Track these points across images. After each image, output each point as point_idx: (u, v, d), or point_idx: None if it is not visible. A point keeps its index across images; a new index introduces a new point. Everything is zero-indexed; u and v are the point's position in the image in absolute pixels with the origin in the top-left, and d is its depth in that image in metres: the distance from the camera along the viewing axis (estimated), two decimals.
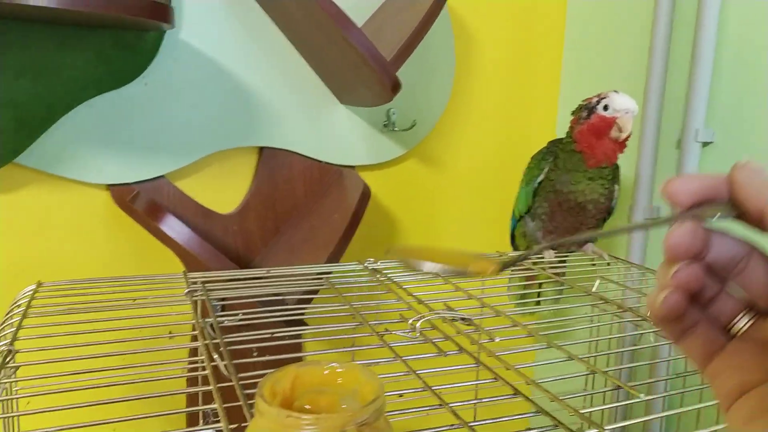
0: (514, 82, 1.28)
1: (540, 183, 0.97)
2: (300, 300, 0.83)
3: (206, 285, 0.76)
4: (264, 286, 0.81)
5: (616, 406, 0.46)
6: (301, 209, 1.11)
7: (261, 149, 1.06)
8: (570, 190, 0.92)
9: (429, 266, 0.38)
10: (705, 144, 1.15)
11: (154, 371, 0.54)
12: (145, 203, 0.90)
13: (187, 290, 0.73)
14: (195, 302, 0.69)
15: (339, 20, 0.85)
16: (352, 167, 1.14)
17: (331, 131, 1.10)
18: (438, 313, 0.64)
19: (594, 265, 0.99)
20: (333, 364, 0.36)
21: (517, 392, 0.50)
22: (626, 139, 0.89)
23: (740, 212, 0.29)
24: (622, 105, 0.86)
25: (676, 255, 0.29)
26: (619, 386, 0.50)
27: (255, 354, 0.63)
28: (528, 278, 1.04)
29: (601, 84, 1.28)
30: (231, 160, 1.05)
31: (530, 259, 0.96)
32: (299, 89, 1.06)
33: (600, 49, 1.28)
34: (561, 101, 1.33)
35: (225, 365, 0.50)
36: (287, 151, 1.08)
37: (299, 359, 0.59)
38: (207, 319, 0.62)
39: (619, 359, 1.00)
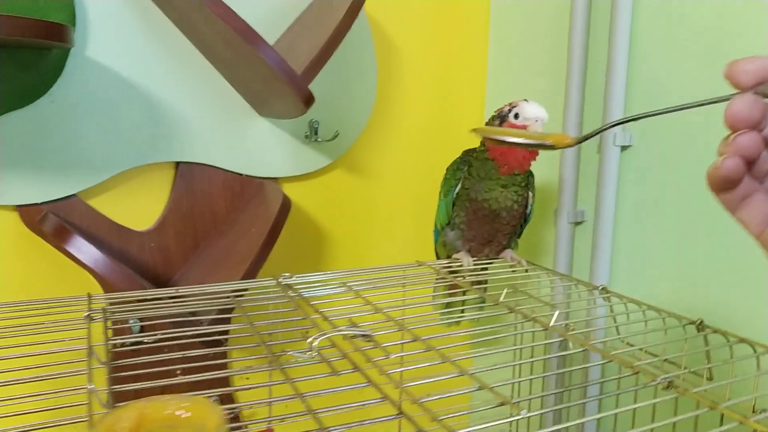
0: (440, 88, 1.29)
1: (457, 193, 0.98)
2: (214, 320, 0.82)
3: (112, 306, 0.74)
4: (173, 306, 0.79)
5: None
6: (222, 224, 1.09)
7: (177, 164, 1.05)
8: (484, 198, 0.93)
9: (512, 138, 0.49)
10: (624, 148, 1.18)
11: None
12: (52, 225, 0.87)
13: (86, 314, 0.71)
14: (104, 323, 0.67)
15: (246, 35, 0.85)
16: (275, 179, 1.13)
17: (250, 144, 1.09)
18: (338, 331, 0.64)
19: (514, 272, 1.00)
20: (179, 399, 0.35)
21: (400, 413, 0.50)
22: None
23: None
24: (532, 113, 0.88)
25: (735, 123, 0.32)
26: (502, 403, 0.50)
27: (178, 373, 0.63)
28: (451, 287, 1.05)
29: (525, 88, 1.31)
30: (146, 175, 1.03)
31: (450, 267, 0.97)
32: (214, 102, 1.05)
33: (523, 52, 1.31)
34: (487, 107, 1.35)
35: (97, 392, 0.49)
36: (204, 165, 1.06)
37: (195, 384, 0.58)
38: (96, 344, 0.61)
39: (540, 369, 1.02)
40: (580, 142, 0.47)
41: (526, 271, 0.98)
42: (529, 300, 0.80)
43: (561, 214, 1.25)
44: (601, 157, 1.18)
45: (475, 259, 0.99)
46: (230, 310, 0.85)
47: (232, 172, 1.09)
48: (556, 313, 0.68)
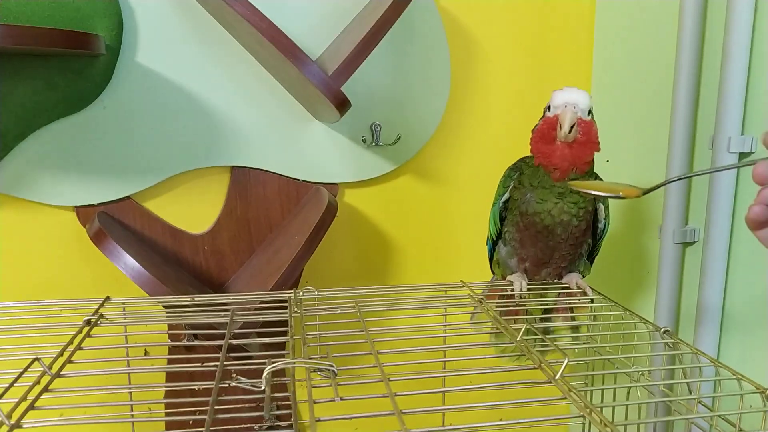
0: (528, 90, 1.15)
1: (506, 203, 0.85)
2: (238, 333, 0.79)
3: (113, 313, 0.75)
4: (188, 315, 0.78)
5: None
6: (276, 229, 1.07)
7: (232, 168, 1.04)
8: (535, 210, 0.79)
9: (586, 189, 0.60)
10: (743, 155, 0.97)
11: None
12: (93, 229, 0.90)
13: (85, 318, 0.71)
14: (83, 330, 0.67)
15: (264, 28, 0.81)
16: (335, 185, 1.08)
17: (307, 148, 1.05)
18: (290, 363, 0.57)
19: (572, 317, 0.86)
20: None
21: None
22: (583, 138, 0.74)
23: None
24: (560, 100, 0.74)
25: (760, 181, 0.41)
26: None
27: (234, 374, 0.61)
28: (508, 313, 0.92)
29: (632, 94, 1.12)
30: (201, 179, 1.03)
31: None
32: (269, 106, 1.02)
33: (631, 50, 1.12)
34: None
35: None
36: (259, 169, 1.04)
37: None
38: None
39: None
40: (647, 193, 0.54)
41: (591, 301, 0.83)
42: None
43: (665, 232, 1.06)
44: (713, 167, 0.99)
45: (532, 283, 0.86)
46: (255, 324, 0.81)
47: (288, 177, 1.06)
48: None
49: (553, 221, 0.79)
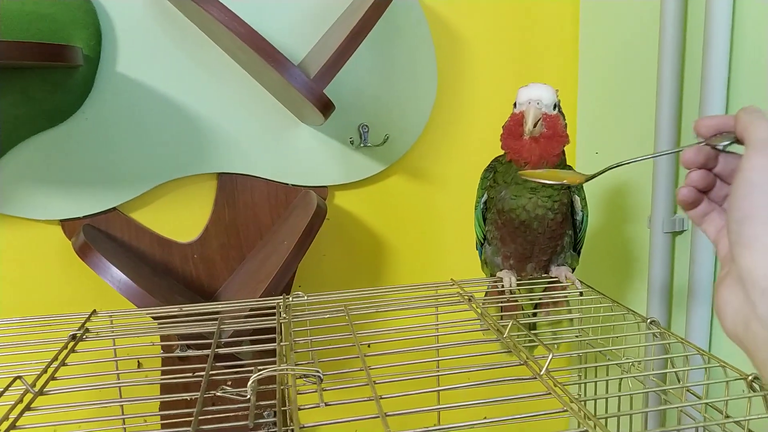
0: (514, 89, 1.14)
1: (486, 204, 0.86)
2: (229, 342, 0.78)
3: (99, 327, 0.74)
4: (174, 326, 0.77)
5: None
6: (266, 235, 1.06)
7: (219, 175, 1.03)
8: (510, 207, 0.80)
9: (536, 178, 0.64)
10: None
11: None
12: (78, 243, 0.90)
13: (71, 333, 0.70)
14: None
15: (240, 31, 0.80)
16: (324, 188, 1.08)
17: (294, 152, 1.05)
18: (279, 369, 0.56)
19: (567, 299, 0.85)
20: None
21: None
22: (549, 132, 0.75)
23: (738, 138, 0.41)
24: (523, 97, 0.75)
25: (687, 165, 0.45)
26: None
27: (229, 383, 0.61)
28: (507, 309, 0.92)
29: (616, 79, 1.12)
30: (188, 187, 1.03)
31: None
32: (254, 111, 1.02)
33: (617, 45, 1.12)
34: (579, 111, 1.17)
35: None
36: (246, 175, 1.04)
37: None
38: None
39: None
40: (589, 179, 0.59)
41: (581, 294, 0.82)
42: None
43: (655, 222, 1.06)
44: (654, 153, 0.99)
45: (519, 278, 0.85)
46: (246, 332, 0.81)
47: (276, 181, 1.05)
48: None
49: (529, 216, 0.79)
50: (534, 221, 0.79)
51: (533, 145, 0.75)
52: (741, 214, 0.37)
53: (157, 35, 0.95)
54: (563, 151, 0.78)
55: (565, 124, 0.78)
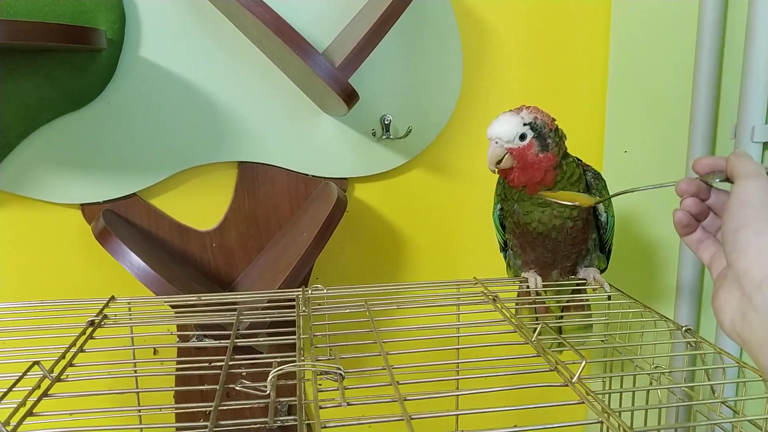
0: (543, 81, 1.11)
1: (500, 215, 0.85)
2: (246, 333, 0.77)
3: (118, 314, 0.73)
4: (194, 315, 0.77)
5: None
6: (286, 225, 1.05)
7: (240, 163, 1.02)
8: (525, 221, 0.79)
9: (551, 198, 0.72)
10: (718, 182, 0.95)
11: None
12: (98, 228, 0.89)
13: (89, 320, 0.70)
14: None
15: (268, 18, 0.78)
16: (344, 180, 1.06)
17: (316, 142, 1.03)
18: (299, 365, 0.55)
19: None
20: None
21: None
22: (520, 164, 0.75)
23: (728, 177, 0.48)
24: (489, 134, 0.75)
25: (681, 194, 0.51)
26: None
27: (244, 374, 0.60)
28: (529, 310, 0.90)
29: (649, 75, 1.09)
30: (208, 175, 1.02)
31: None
32: (276, 100, 1.00)
33: (648, 38, 1.08)
34: (610, 95, 1.13)
35: None
36: (267, 165, 1.02)
37: None
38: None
39: None
40: (597, 203, 0.73)
41: (609, 298, 0.80)
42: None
43: None
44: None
45: (544, 280, 0.83)
46: (264, 324, 0.79)
47: (296, 172, 1.04)
48: None
49: (546, 228, 0.78)
50: (552, 231, 0.78)
51: (516, 173, 0.75)
52: (735, 225, 0.43)
53: (182, 20, 0.94)
54: (554, 172, 0.76)
55: (552, 143, 0.75)
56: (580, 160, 0.81)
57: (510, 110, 0.76)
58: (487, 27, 1.08)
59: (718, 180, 0.50)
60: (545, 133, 0.75)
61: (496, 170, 0.77)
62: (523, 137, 0.74)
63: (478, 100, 1.10)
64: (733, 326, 0.43)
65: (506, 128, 0.74)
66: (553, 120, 0.77)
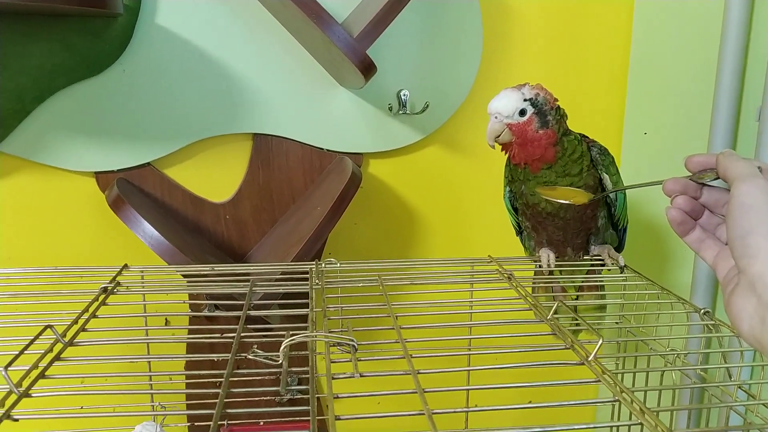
0: (563, 57, 1.09)
1: (509, 197, 0.86)
2: (259, 305, 0.77)
3: (131, 281, 0.73)
4: (207, 285, 0.76)
5: None
6: (299, 199, 1.04)
7: (254, 136, 1.01)
8: (533, 202, 0.79)
9: (547, 196, 0.73)
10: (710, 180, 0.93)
11: None
12: (112, 196, 0.89)
13: (102, 286, 0.70)
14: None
15: None
16: (359, 155, 1.05)
17: (331, 116, 1.02)
18: (311, 336, 0.54)
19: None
20: None
21: None
22: (519, 140, 0.74)
23: (719, 174, 0.47)
24: (490, 109, 0.75)
25: (668, 192, 0.51)
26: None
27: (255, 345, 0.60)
28: (545, 289, 0.89)
29: (672, 55, 1.06)
30: (223, 147, 1.01)
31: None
32: (292, 72, 0.99)
33: (672, 17, 1.06)
34: (630, 77, 1.10)
35: None
36: (282, 137, 1.01)
37: None
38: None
39: None
40: (591, 201, 0.73)
41: (621, 270, 0.79)
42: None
43: None
44: (760, 135, 0.93)
45: (559, 258, 0.83)
46: (276, 295, 0.79)
47: (311, 145, 1.03)
48: None
49: (554, 207, 0.78)
50: (560, 210, 0.78)
51: (516, 150, 0.75)
52: (742, 231, 0.42)
53: None
54: (563, 147, 0.75)
55: (552, 120, 0.74)
56: (585, 136, 0.80)
57: (512, 86, 0.75)
58: (509, 4, 1.06)
59: (711, 179, 0.49)
60: (546, 110, 0.74)
61: (495, 145, 0.77)
62: (522, 113, 0.74)
63: (497, 79, 1.08)
64: (752, 332, 0.42)
65: (506, 103, 0.74)
66: (556, 99, 0.76)
